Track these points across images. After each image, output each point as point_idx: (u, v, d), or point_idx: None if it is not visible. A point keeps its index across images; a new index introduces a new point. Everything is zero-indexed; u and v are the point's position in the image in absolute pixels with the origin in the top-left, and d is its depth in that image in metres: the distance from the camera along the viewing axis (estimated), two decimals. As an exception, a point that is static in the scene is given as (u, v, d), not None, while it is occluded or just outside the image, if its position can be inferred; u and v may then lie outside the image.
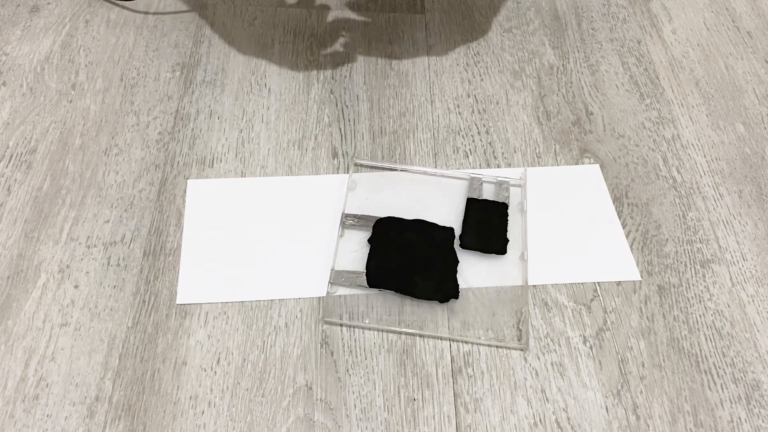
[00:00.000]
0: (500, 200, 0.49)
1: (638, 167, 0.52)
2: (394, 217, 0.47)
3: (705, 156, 0.53)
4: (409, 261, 0.44)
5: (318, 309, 0.43)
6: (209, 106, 0.54)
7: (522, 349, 0.42)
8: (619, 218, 0.49)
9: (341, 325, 0.42)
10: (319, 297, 0.44)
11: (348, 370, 0.41)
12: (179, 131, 0.53)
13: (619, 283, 0.45)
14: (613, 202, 0.50)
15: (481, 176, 0.50)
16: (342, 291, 0.44)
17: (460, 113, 0.55)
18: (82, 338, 0.42)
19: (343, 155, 0.52)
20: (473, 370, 0.41)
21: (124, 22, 0.61)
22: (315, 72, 0.58)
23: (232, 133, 0.53)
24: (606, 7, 0.65)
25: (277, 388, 0.40)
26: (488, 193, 0.49)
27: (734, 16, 0.65)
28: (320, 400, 0.40)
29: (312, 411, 0.39)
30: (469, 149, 0.53)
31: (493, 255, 0.46)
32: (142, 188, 0.49)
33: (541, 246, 0.47)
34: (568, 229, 0.48)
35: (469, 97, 0.56)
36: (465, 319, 0.43)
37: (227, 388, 0.40)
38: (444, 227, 0.47)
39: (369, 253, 0.45)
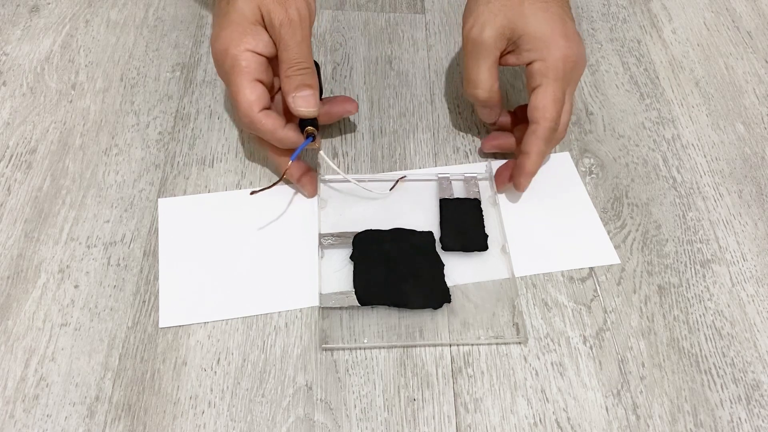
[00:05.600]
0: (471, 196, 0.49)
1: (638, 167, 0.52)
2: (371, 230, 0.46)
3: (705, 156, 0.53)
4: (396, 272, 0.44)
5: (314, 311, 0.43)
6: (209, 106, 0.54)
7: (521, 343, 0.42)
8: (619, 218, 0.49)
9: (341, 349, 0.42)
10: (310, 307, 0.43)
11: (348, 370, 0.41)
12: (179, 131, 0.53)
13: (619, 282, 0.45)
14: (613, 202, 0.50)
15: (449, 175, 0.50)
16: (334, 313, 0.43)
17: (460, 113, 0.55)
18: (82, 338, 0.42)
19: (343, 155, 0.52)
20: (473, 370, 0.41)
21: (124, 22, 0.61)
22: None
23: (232, 133, 0.53)
24: (606, 7, 0.65)
25: (277, 388, 0.40)
26: (458, 191, 0.49)
27: (734, 16, 0.65)
28: (320, 400, 0.40)
29: (312, 411, 0.39)
30: (469, 149, 0.53)
31: (476, 252, 0.46)
32: (142, 188, 0.49)
33: (521, 238, 0.47)
34: (544, 218, 0.48)
35: (469, 97, 0.56)
36: (462, 322, 0.43)
37: (227, 388, 0.40)
38: (423, 232, 0.46)
39: (354, 271, 0.44)
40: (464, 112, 0.55)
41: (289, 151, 0.45)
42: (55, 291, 0.44)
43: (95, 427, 0.38)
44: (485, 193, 0.49)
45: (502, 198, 0.49)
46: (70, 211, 0.48)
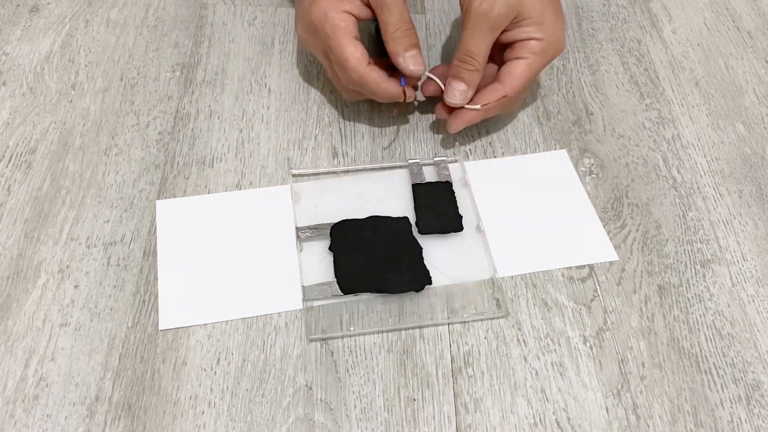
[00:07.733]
0: (442, 179, 0.49)
1: (638, 167, 0.52)
2: (347, 220, 0.46)
3: (705, 156, 0.53)
4: (375, 259, 0.44)
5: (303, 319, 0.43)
6: (209, 106, 0.54)
7: (503, 317, 0.43)
8: (619, 218, 0.49)
9: (326, 339, 0.42)
10: (303, 309, 0.43)
11: (348, 370, 0.41)
12: (179, 131, 0.53)
13: (619, 282, 0.45)
14: (613, 202, 0.50)
15: (419, 160, 0.51)
16: (318, 304, 0.43)
17: (460, 113, 0.55)
18: (82, 338, 0.42)
19: (343, 155, 0.52)
20: (473, 370, 0.41)
21: (124, 22, 0.61)
22: (315, 72, 0.58)
23: (232, 133, 0.53)
24: (606, 7, 0.65)
25: (277, 388, 0.40)
26: (430, 175, 0.50)
27: (734, 16, 0.65)
28: (320, 400, 0.40)
29: (312, 411, 0.39)
30: (469, 149, 0.53)
31: (452, 234, 0.47)
32: (142, 188, 0.49)
33: (516, 234, 0.47)
34: (540, 214, 0.49)
35: (469, 97, 0.56)
36: (444, 302, 0.44)
37: (227, 388, 0.40)
38: (399, 218, 0.47)
39: (334, 261, 0.44)
40: (464, 112, 0.55)
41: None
42: (55, 291, 0.44)
43: (95, 427, 0.38)
44: (456, 175, 0.50)
45: (496, 195, 0.49)
46: (70, 211, 0.48)
